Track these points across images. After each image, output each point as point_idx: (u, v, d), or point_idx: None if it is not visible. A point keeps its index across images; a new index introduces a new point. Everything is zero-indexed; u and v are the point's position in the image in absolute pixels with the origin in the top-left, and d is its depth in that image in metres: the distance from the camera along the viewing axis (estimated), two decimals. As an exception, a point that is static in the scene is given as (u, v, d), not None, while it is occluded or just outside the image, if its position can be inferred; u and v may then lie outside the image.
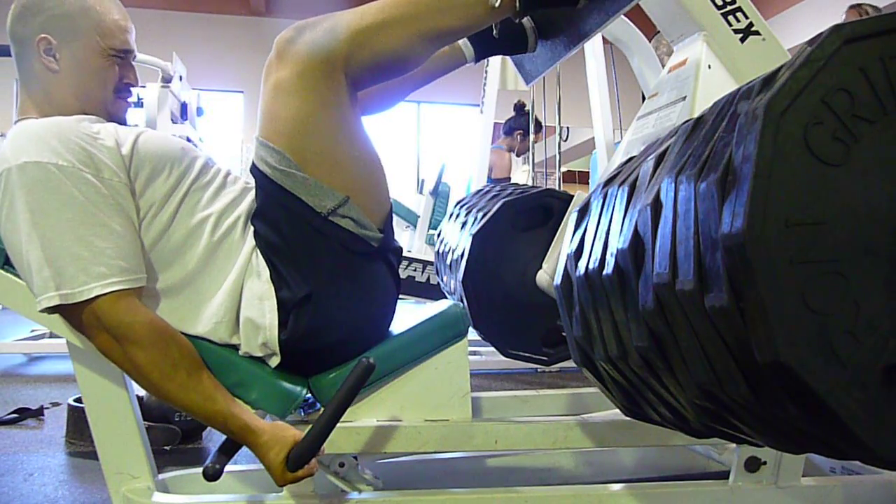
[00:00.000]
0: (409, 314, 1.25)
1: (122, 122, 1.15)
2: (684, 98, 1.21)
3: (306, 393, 1.06)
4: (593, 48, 3.03)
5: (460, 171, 4.72)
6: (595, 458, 1.58)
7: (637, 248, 0.72)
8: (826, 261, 0.56)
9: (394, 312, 1.19)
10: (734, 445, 1.26)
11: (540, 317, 1.61)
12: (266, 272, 1.05)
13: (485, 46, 1.40)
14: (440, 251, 1.93)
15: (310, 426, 0.97)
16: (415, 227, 4.68)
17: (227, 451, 0.99)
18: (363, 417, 1.14)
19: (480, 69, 3.27)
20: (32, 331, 3.59)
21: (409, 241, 4.71)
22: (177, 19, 8.27)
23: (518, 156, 4.97)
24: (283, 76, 1.01)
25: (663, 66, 1.50)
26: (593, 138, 3.12)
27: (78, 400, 1.98)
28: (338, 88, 1.03)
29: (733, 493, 1.20)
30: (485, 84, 3.57)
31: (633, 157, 0.90)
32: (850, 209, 0.57)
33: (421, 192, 4.75)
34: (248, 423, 0.98)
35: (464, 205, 1.88)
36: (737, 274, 0.57)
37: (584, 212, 0.91)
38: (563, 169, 4.10)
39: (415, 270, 3.20)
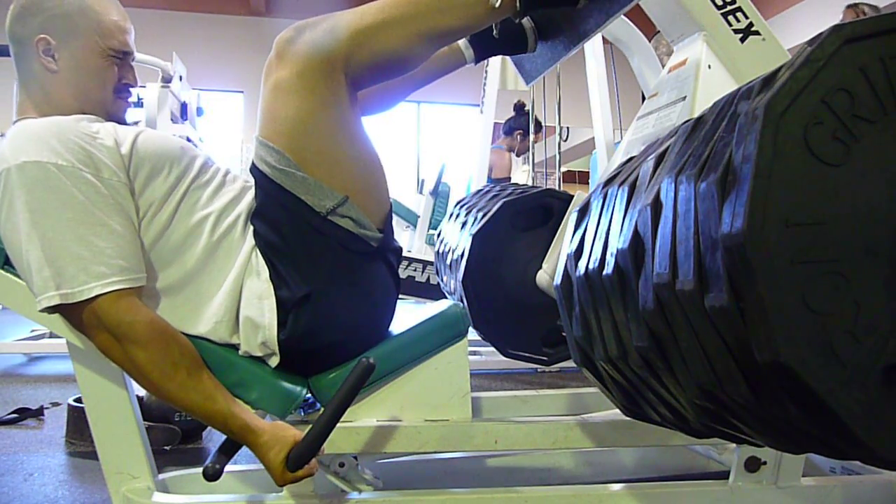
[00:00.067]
0: (409, 314, 1.25)
1: (122, 122, 1.15)
2: (684, 98, 1.21)
3: (306, 393, 1.06)
4: (593, 48, 3.02)
5: (460, 171, 4.72)
6: (595, 458, 1.58)
7: (637, 248, 0.72)
8: (826, 261, 0.56)
9: (393, 312, 1.19)
10: (734, 445, 1.26)
11: (540, 317, 1.61)
12: (265, 271, 1.05)
13: (485, 47, 1.40)
14: (440, 251, 1.93)
15: (310, 426, 0.97)
16: (415, 227, 4.68)
17: (227, 451, 0.99)
18: (363, 417, 1.14)
19: (480, 69, 3.27)
20: (32, 331, 3.59)
21: (409, 241, 4.71)
22: (177, 19, 8.27)
23: (518, 156, 4.97)
24: (283, 76, 1.02)
25: (663, 66, 1.50)
26: (593, 138, 3.12)
27: (78, 400, 1.98)
28: (337, 88, 1.03)
29: (733, 493, 1.20)
30: (485, 84, 3.57)
31: (633, 157, 0.90)
32: (850, 209, 0.57)
33: (421, 192, 4.75)
34: (248, 423, 0.98)
35: (464, 205, 1.88)
36: (737, 274, 0.57)
37: (584, 212, 0.91)
38: (563, 169, 4.10)
39: (415, 270, 3.20)
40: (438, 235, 2.01)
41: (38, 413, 2.21)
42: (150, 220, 1.03)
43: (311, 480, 1.11)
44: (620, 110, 3.28)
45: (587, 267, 0.82)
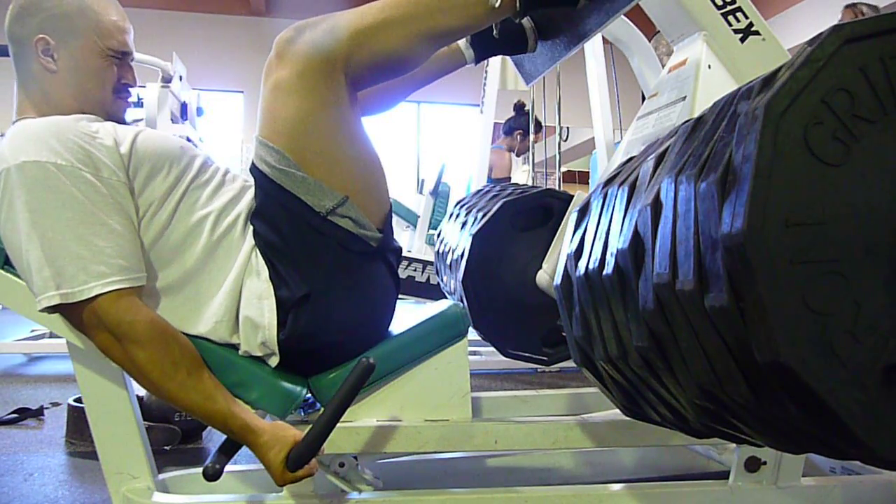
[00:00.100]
0: (409, 314, 1.25)
1: (121, 122, 1.15)
2: (684, 98, 1.21)
3: (306, 393, 1.06)
4: (593, 48, 3.03)
5: (460, 171, 4.72)
6: (595, 458, 1.58)
7: (637, 248, 0.72)
8: (826, 261, 0.56)
9: (393, 312, 1.19)
10: (734, 445, 1.26)
11: (540, 317, 1.61)
12: (265, 271, 1.05)
13: (485, 47, 1.39)
14: (440, 251, 1.93)
15: (310, 426, 0.97)
16: (415, 227, 4.68)
17: (227, 451, 0.99)
18: (363, 417, 1.14)
19: (480, 69, 3.27)
20: (32, 331, 3.59)
21: (409, 241, 4.70)
22: (177, 19, 8.27)
23: (518, 155, 4.97)
24: (283, 76, 1.02)
25: (663, 66, 1.50)
26: (593, 138, 3.12)
27: (78, 400, 1.98)
28: (337, 88, 1.03)
29: (733, 493, 1.20)
30: (485, 84, 3.57)
31: (633, 157, 0.90)
32: (850, 209, 0.57)
33: (421, 192, 4.75)
34: (249, 423, 0.98)
35: (464, 205, 1.88)
36: (737, 274, 0.57)
37: (584, 212, 0.91)
38: (563, 169, 4.10)
39: (415, 270, 3.20)
40: (438, 235, 2.01)
41: (38, 413, 2.21)
42: (149, 219, 1.03)
43: (311, 480, 1.11)
44: (620, 110, 3.28)
45: (587, 267, 0.82)
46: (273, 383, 1.05)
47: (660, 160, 0.76)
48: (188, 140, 1.82)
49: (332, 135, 1.05)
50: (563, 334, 1.00)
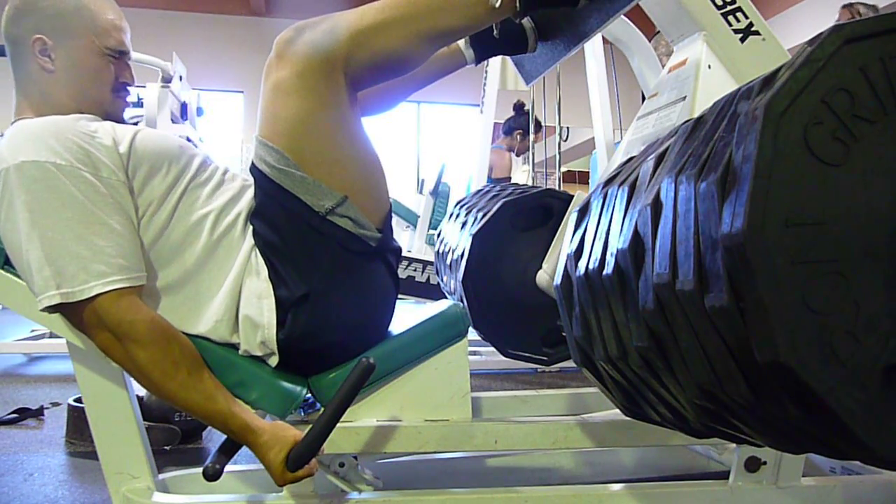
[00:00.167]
0: (409, 314, 1.25)
1: (120, 122, 1.15)
2: (684, 98, 1.21)
3: (306, 393, 1.06)
4: (593, 48, 3.03)
5: (460, 171, 4.72)
6: (595, 458, 1.58)
7: (637, 248, 0.72)
8: (826, 261, 0.56)
9: (393, 312, 1.19)
10: (734, 445, 1.26)
11: (540, 317, 1.61)
12: (265, 271, 1.05)
13: (485, 47, 1.40)
14: (440, 251, 1.93)
15: (310, 426, 0.97)
16: (415, 227, 4.68)
17: (227, 451, 0.99)
18: (363, 417, 1.14)
19: (480, 69, 3.27)
20: (32, 331, 3.59)
21: (409, 241, 4.71)
22: (177, 19, 8.27)
23: (518, 155, 4.97)
24: (283, 76, 1.02)
25: (663, 66, 1.50)
26: (593, 138, 3.12)
27: (78, 400, 1.98)
28: (337, 88, 1.03)
29: (733, 493, 1.20)
30: (485, 84, 3.57)
31: (633, 157, 0.90)
32: (850, 209, 0.57)
33: (421, 192, 4.75)
34: (249, 423, 0.98)
35: (464, 205, 1.88)
36: (737, 274, 0.57)
37: (584, 212, 0.91)
38: (563, 169, 4.10)
39: (415, 270, 3.20)
40: (438, 235, 2.01)
41: (38, 413, 2.21)
42: (149, 218, 1.03)
43: (311, 480, 1.11)
44: (620, 110, 3.28)
45: (587, 267, 0.82)
46: (273, 383, 1.05)
47: (660, 160, 0.76)
48: (188, 140, 1.82)
49: (331, 135, 1.05)
50: (563, 334, 1.00)
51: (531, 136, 4.07)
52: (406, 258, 3.19)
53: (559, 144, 3.79)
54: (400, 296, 1.21)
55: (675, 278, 0.64)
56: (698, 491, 1.21)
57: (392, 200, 1.19)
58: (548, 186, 3.13)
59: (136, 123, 1.21)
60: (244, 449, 1.00)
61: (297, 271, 1.04)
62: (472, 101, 4.03)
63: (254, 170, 1.07)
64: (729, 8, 1.21)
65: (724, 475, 1.25)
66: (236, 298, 1.05)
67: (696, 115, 0.82)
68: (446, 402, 1.17)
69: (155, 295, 1.04)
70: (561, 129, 3.73)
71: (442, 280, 1.95)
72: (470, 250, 1.59)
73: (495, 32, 1.35)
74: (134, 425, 1.13)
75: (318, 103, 1.02)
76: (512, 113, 4.79)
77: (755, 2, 1.22)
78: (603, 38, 2.66)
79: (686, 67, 1.24)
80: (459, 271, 1.61)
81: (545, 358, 1.67)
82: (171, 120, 3.40)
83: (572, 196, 1.64)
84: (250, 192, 1.11)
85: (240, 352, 1.06)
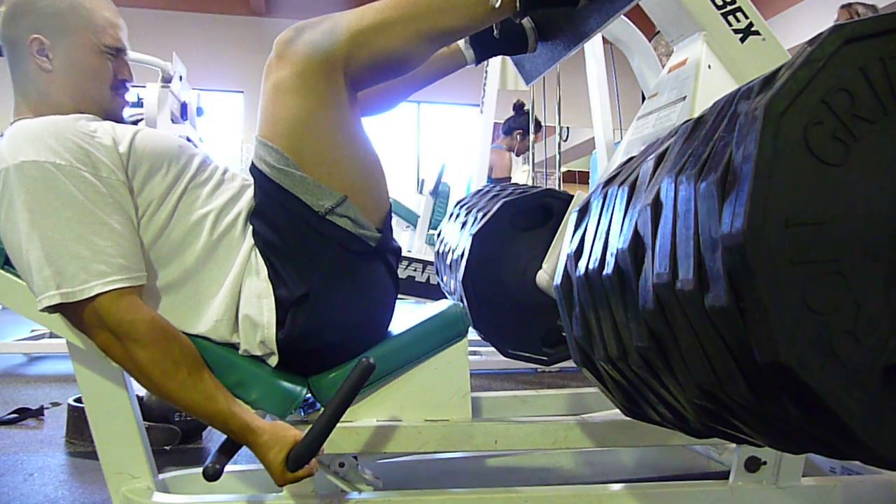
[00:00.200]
0: (409, 314, 1.25)
1: (120, 119, 1.15)
2: (684, 98, 1.21)
3: (306, 393, 1.06)
4: (593, 48, 3.03)
5: (460, 171, 4.72)
6: (595, 458, 1.58)
7: (637, 248, 0.72)
8: (826, 261, 0.56)
9: (392, 312, 1.19)
10: (734, 445, 1.26)
11: (540, 317, 1.61)
12: (264, 270, 1.05)
13: (485, 47, 1.40)
14: (440, 251, 1.93)
15: (310, 426, 0.97)
16: (415, 227, 4.68)
17: (227, 451, 0.99)
18: (363, 417, 1.14)
19: (480, 69, 3.28)
20: (32, 331, 3.59)
21: (409, 241, 4.71)
22: (177, 19, 8.27)
23: (518, 155, 4.97)
24: (283, 76, 1.02)
25: (663, 66, 1.50)
26: (593, 138, 3.12)
27: (78, 400, 1.98)
28: (337, 88, 1.03)
29: (733, 493, 1.20)
30: (485, 84, 3.57)
31: (633, 157, 0.90)
32: (850, 209, 0.57)
33: (421, 192, 4.75)
34: (249, 423, 0.98)
35: (464, 205, 1.88)
36: (737, 274, 0.57)
37: (584, 212, 0.91)
38: (563, 169, 4.10)
39: (415, 270, 3.20)
40: (438, 235, 2.01)
41: (38, 413, 2.21)
42: (149, 218, 1.03)
43: (311, 480, 1.11)
44: (620, 110, 3.28)
45: (587, 267, 0.82)
46: (273, 383, 1.05)
47: (660, 160, 0.76)
48: (188, 140, 1.82)
49: (331, 135, 1.05)
50: (563, 334, 1.00)
51: (531, 136, 4.07)
52: (406, 258, 3.19)
53: (559, 144, 3.79)
54: (400, 296, 1.21)
55: (675, 278, 0.64)
56: (698, 491, 1.21)
57: (392, 200, 1.19)
58: (548, 186, 3.13)
59: (136, 123, 1.21)
60: (244, 449, 1.00)
61: (296, 271, 1.04)
62: (472, 101, 4.03)
63: (253, 170, 1.07)
64: (729, 8, 1.21)
65: (724, 475, 1.25)
66: (236, 298, 1.05)
67: (696, 115, 0.82)
68: (446, 402, 1.17)
69: (155, 294, 1.04)
70: (561, 129, 3.73)
71: (442, 280, 1.95)
72: (470, 250, 1.59)
73: (495, 32, 1.35)
74: (134, 425, 1.13)
75: (318, 103, 1.02)
76: (512, 113, 4.79)
77: (755, 2, 1.22)
78: (603, 38, 2.66)
79: (686, 67, 1.24)
80: (459, 271, 1.61)
81: (545, 358, 1.67)
82: (171, 120, 3.41)
83: (572, 196, 1.64)
84: (250, 192, 1.11)
85: (240, 351, 1.06)
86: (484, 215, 1.63)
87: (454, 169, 4.87)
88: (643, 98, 1.91)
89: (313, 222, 1.03)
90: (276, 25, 2.80)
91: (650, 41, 2.43)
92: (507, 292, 1.62)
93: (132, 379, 1.03)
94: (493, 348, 1.71)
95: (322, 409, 1.07)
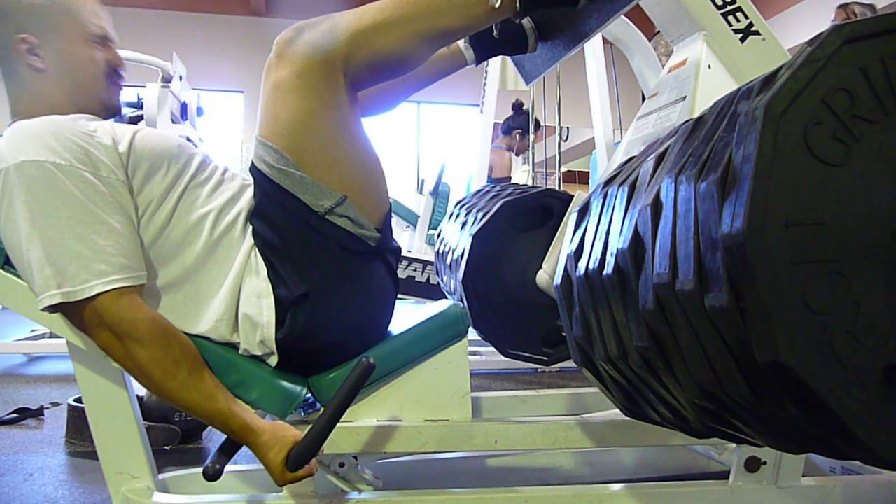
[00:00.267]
0: (409, 314, 1.25)
1: (118, 108, 1.15)
2: (684, 98, 1.21)
3: (306, 393, 1.06)
4: (593, 48, 3.03)
5: (460, 171, 4.72)
6: (595, 458, 1.58)
7: (637, 248, 0.72)
8: (826, 261, 0.56)
9: (392, 312, 1.19)
10: (734, 445, 1.26)
11: (540, 317, 1.61)
12: (264, 270, 1.05)
13: (485, 47, 1.40)
14: (440, 251, 1.93)
15: (310, 426, 0.97)
16: (415, 227, 4.68)
17: (227, 451, 0.99)
18: (363, 417, 1.14)
19: (480, 69, 3.28)
20: (32, 331, 3.59)
21: (409, 241, 4.71)
22: (177, 19, 8.27)
23: (517, 154, 4.97)
24: (283, 76, 1.02)
25: (663, 66, 1.50)
26: (593, 138, 3.13)
27: (78, 400, 1.98)
28: (337, 88, 1.03)
29: (733, 493, 1.20)
30: (485, 84, 3.57)
31: (633, 157, 0.90)
32: (850, 209, 0.57)
33: (421, 192, 4.75)
34: (249, 423, 0.98)
35: (464, 205, 1.88)
36: (737, 274, 0.57)
37: (584, 212, 0.91)
38: (563, 169, 4.10)
39: (415, 270, 3.20)
40: (438, 235, 2.01)
41: (38, 413, 2.21)
42: (149, 217, 1.03)
43: (311, 480, 1.11)
44: (620, 110, 3.28)
45: (587, 267, 0.82)
46: (273, 383, 1.05)
47: (660, 160, 0.76)
48: (188, 140, 1.82)
49: (331, 135, 1.05)
50: (563, 334, 1.00)
51: (531, 136, 4.07)
52: (406, 258, 3.19)
53: (559, 144, 3.79)
54: (400, 296, 1.21)
55: (675, 278, 0.64)
56: (698, 491, 1.21)
57: (392, 200, 1.19)
58: (548, 186, 3.13)
59: (137, 122, 1.20)
60: (244, 449, 1.00)
61: (296, 271, 1.04)
62: (472, 101, 4.03)
63: (253, 169, 1.07)
64: (729, 8, 1.21)
65: (724, 475, 1.25)
66: (236, 298, 1.05)
67: (696, 115, 0.82)
68: (446, 402, 1.17)
69: (155, 294, 1.04)
70: (561, 129, 3.73)
71: (442, 280, 1.95)
72: (470, 250, 1.59)
73: (495, 33, 1.35)
74: (134, 425, 1.13)
75: (318, 103, 1.02)
76: (511, 112, 4.79)
77: (755, 2, 1.22)
78: (603, 38, 2.66)
79: (686, 67, 1.24)
80: (459, 271, 1.61)
81: (545, 358, 1.67)
82: (171, 120, 3.40)
83: (572, 196, 1.64)
84: (250, 192, 1.11)
85: (240, 351, 1.06)
86: (484, 215, 1.63)
87: (454, 169, 4.88)
88: (643, 98, 1.91)
89: (313, 222, 1.03)
90: (276, 25, 2.80)
91: (650, 41, 2.43)
92: (507, 292, 1.62)
93: (132, 379, 1.03)
94: (493, 348, 1.71)
95: (322, 409, 1.07)
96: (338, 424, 0.97)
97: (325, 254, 1.05)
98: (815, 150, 0.57)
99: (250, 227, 1.09)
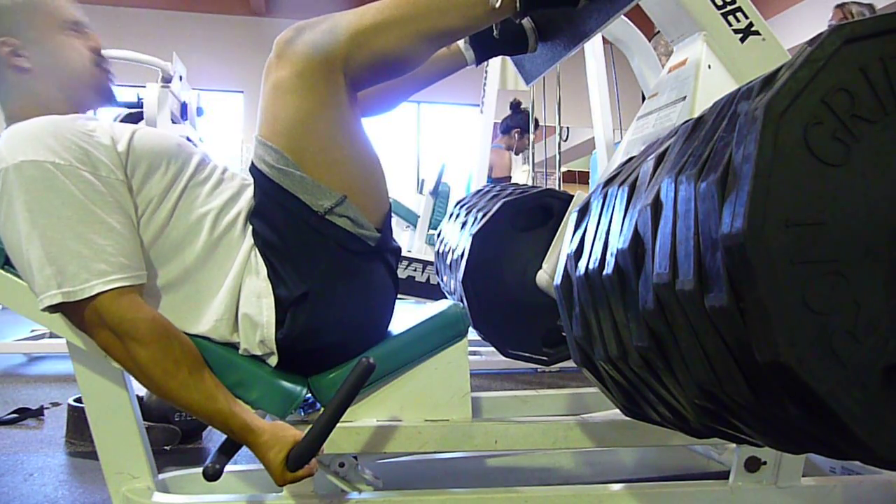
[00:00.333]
0: (409, 314, 1.25)
1: (111, 93, 1.15)
2: (684, 98, 1.21)
3: (306, 393, 1.06)
4: (593, 48, 3.03)
5: (460, 171, 4.72)
6: (595, 458, 1.58)
7: (637, 248, 0.72)
8: (826, 261, 0.56)
9: (392, 312, 1.19)
10: (734, 445, 1.26)
11: (540, 317, 1.61)
12: (264, 270, 1.05)
13: (485, 47, 1.40)
14: (440, 251, 1.93)
15: (310, 426, 0.97)
16: (415, 227, 4.68)
17: (227, 451, 0.99)
18: (363, 417, 1.14)
19: (480, 69, 3.28)
20: (32, 331, 3.59)
21: (409, 241, 4.71)
22: (177, 19, 8.27)
23: (517, 154, 4.97)
24: (283, 76, 1.02)
25: (662, 66, 1.50)
26: (593, 138, 3.13)
27: (78, 400, 1.98)
28: (337, 88, 1.03)
29: (733, 493, 1.20)
30: (485, 84, 3.57)
31: (633, 157, 0.90)
32: (850, 209, 0.57)
33: (421, 192, 4.75)
34: (249, 423, 0.98)
35: (464, 205, 1.88)
36: (737, 274, 0.57)
37: (584, 212, 0.91)
38: (563, 169, 4.10)
39: (415, 270, 3.20)
40: (438, 235, 2.01)
41: (38, 413, 2.21)
42: (148, 217, 1.03)
43: (311, 480, 1.11)
44: (620, 110, 3.29)
45: (587, 267, 0.82)
46: (273, 383, 1.05)
47: (660, 160, 0.76)
48: (188, 140, 1.82)
49: (330, 135, 1.05)
50: (563, 334, 1.00)
51: (530, 135, 4.07)
52: (406, 258, 3.19)
53: (559, 144, 3.79)
54: (400, 296, 1.21)
55: (675, 278, 0.64)
56: (698, 491, 1.21)
57: (392, 200, 1.19)
58: (548, 186, 3.13)
59: (137, 122, 1.20)
60: (244, 449, 1.00)
61: (295, 271, 1.04)
62: (472, 101, 4.04)
63: (253, 169, 1.07)
64: (729, 8, 1.21)
65: (724, 475, 1.25)
66: (236, 297, 1.05)
67: (696, 115, 0.82)
68: (446, 402, 1.17)
69: (155, 294, 1.04)
70: (561, 129, 3.73)
71: (442, 280, 1.95)
72: (470, 250, 1.59)
73: (495, 33, 1.35)
74: (134, 425, 1.13)
75: (318, 103, 1.02)
76: (509, 112, 4.79)
77: (755, 2, 1.22)
78: (603, 38, 2.66)
79: (686, 67, 1.24)
80: (459, 271, 1.61)
81: (545, 358, 1.67)
82: (171, 120, 3.40)
83: (572, 196, 1.64)
84: (249, 191, 1.11)
85: (240, 351, 1.06)
86: (484, 215, 1.63)
87: (454, 169, 4.88)
88: (643, 98, 1.91)
89: (313, 222, 1.03)
90: (276, 25, 2.80)
91: (650, 41, 2.43)
92: (507, 292, 1.62)
93: (132, 379, 1.03)
94: (493, 348, 1.71)
95: (322, 409, 1.07)
96: (338, 424, 0.97)
97: (324, 254, 1.05)
98: (815, 150, 0.57)
99: (250, 227, 1.09)
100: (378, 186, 1.12)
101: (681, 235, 0.64)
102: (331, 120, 1.04)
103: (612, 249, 0.77)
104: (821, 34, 0.59)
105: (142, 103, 3.31)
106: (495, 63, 3.47)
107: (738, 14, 1.21)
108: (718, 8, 1.21)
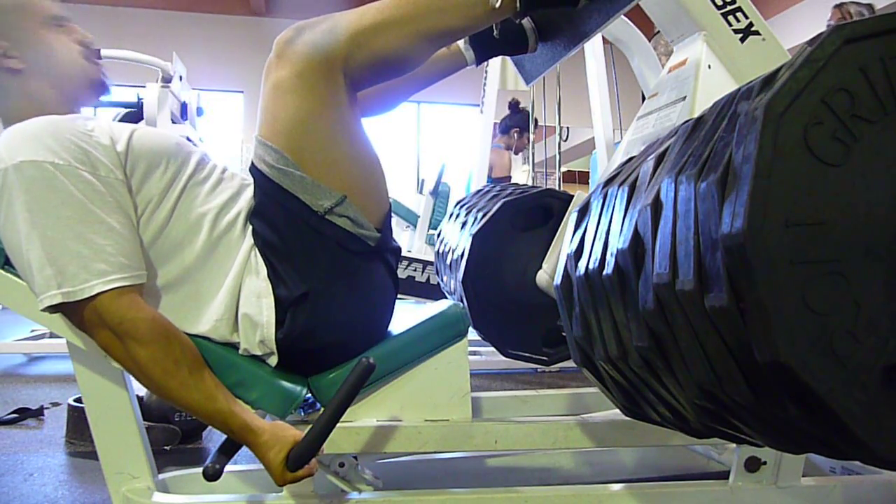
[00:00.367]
0: (409, 314, 1.25)
1: (105, 85, 1.15)
2: (684, 98, 1.21)
3: (306, 393, 1.06)
4: (593, 48, 3.03)
5: (460, 171, 4.72)
6: (595, 458, 1.58)
7: (637, 248, 0.72)
8: (826, 261, 0.56)
9: (392, 312, 1.19)
10: (734, 445, 1.26)
11: (540, 317, 1.61)
12: (264, 270, 1.05)
13: (485, 47, 1.39)
14: (440, 251, 1.93)
15: (310, 426, 0.97)
16: (415, 227, 4.68)
17: (227, 451, 0.99)
18: (363, 417, 1.14)
19: (480, 69, 3.28)
20: (32, 331, 3.59)
21: (409, 241, 4.71)
22: (177, 19, 8.28)
23: (516, 153, 4.97)
24: (283, 76, 1.02)
25: (662, 66, 1.50)
26: (593, 138, 3.13)
27: (78, 400, 1.98)
28: (337, 88, 1.03)
29: (733, 493, 1.20)
30: (485, 84, 3.58)
31: (633, 157, 0.90)
32: (850, 209, 0.57)
33: (421, 192, 4.75)
34: (249, 423, 0.98)
35: (464, 205, 1.88)
36: (737, 274, 0.57)
37: (584, 212, 0.91)
38: (563, 169, 4.10)
39: (415, 270, 3.20)
40: (438, 235, 2.01)
41: (38, 413, 2.21)
42: (148, 216, 1.03)
43: (311, 480, 1.11)
44: (620, 110, 3.29)
45: (587, 267, 0.82)
46: (273, 383, 1.05)
47: (660, 160, 0.76)
48: (188, 140, 1.82)
49: (330, 135, 1.05)
50: (563, 334, 1.00)
51: (530, 134, 4.07)
52: (406, 258, 3.19)
53: (559, 144, 3.79)
54: (400, 296, 1.21)
55: (675, 278, 0.64)
56: (698, 491, 1.21)
57: (392, 200, 1.19)
58: (548, 186, 3.13)
59: (137, 122, 1.20)
60: (244, 449, 1.00)
61: (295, 271, 1.04)
62: (472, 101, 4.04)
63: (253, 169, 1.07)
64: (729, 8, 1.21)
65: (724, 475, 1.25)
66: (236, 297, 1.05)
67: (696, 115, 0.82)
68: (446, 402, 1.17)
69: (155, 293, 1.04)
70: (561, 129, 3.73)
71: (442, 280, 1.95)
72: (470, 250, 1.60)
73: (495, 33, 1.35)
74: (134, 425, 1.13)
75: (318, 103, 1.02)
76: (508, 112, 4.79)
77: (755, 2, 1.22)
78: (603, 38, 2.66)
79: (686, 67, 1.24)
80: (459, 271, 1.61)
81: (545, 358, 1.67)
82: (171, 120, 3.40)
83: (572, 196, 1.64)
84: (249, 191, 1.11)
85: (240, 351, 1.06)
86: (484, 215, 1.63)
87: (454, 169, 4.88)
88: (643, 98, 1.91)
89: (312, 222, 1.03)
90: (276, 25, 2.80)
91: (650, 41, 2.44)
92: (507, 292, 1.62)
93: (132, 379, 1.03)
94: (493, 348, 1.71)
95: (322, 409, 1.07)
96: (338, 424, 0.97)
97: (324, 254, 1.05)
98: (815, 150, 0.57)
99: (250, 227, 1.09)
100: (378, 186, 1.12)
101: (681, 235, 0.64)
102: (331, 120, 1.04)
103: (612, 249, 0.77)
104: (821, 34, 0.59)
105: (141, 103, 3.31)
106: (495, 63, 3.47)
107: (738, 14, 1.21)
108: (718, 8, 1.21)
